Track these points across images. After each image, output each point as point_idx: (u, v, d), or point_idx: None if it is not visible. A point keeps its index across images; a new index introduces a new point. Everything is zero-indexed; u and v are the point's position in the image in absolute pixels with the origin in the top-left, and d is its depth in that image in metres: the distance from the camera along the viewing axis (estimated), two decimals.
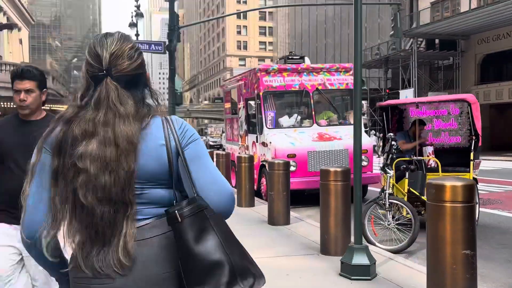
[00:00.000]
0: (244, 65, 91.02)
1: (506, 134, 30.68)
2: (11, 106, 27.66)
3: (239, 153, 11.63)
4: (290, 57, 10.86)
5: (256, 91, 10.05)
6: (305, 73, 10.22)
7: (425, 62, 36.17)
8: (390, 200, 6.06)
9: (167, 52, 14.77)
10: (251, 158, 9.02)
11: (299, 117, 10.12)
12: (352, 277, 4.39)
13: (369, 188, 10.10)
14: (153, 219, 1.42)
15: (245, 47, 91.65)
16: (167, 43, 14.73)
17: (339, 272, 4.59)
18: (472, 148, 6.96)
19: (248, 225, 7.09)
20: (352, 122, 10.53)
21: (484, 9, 27.14)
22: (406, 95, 30.22)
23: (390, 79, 38.87)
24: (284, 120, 10.07)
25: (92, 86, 1.43)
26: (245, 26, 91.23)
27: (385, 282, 4.41)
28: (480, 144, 7.04)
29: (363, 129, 10.55)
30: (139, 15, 25.79)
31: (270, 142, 9.53)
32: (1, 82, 29.22)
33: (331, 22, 50.61)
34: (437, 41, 34.67)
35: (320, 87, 10.21)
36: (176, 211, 1.33)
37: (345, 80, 10.44)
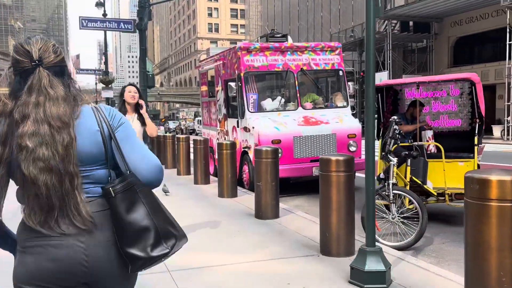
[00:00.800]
0: (205, 53, 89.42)
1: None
2: None
3: (217, 139, 10.86)
4: (272, 35, 10.06)
5: (236, 72, 9.25)
6: (289, 52, 9.46)
7: (399, 45, 35.97)
8: (394, 191, 5.44)
9: (137, 31, 13.71)
10: (233, 145, 8.26)
11: (283, 100, 9.39)
12: (366, 286, 3.75)
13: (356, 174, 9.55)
14: (99, 197, 1.66)
15: (217, 30, 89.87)
16: (137, 21, 13.68)
17: (348, 279, 3.92)
18: (477, 132, 6.38)
19: (234, 220, 6.38)
20: (338, 105, 9.98)
21: None
22: (381, 78, 29.86)
23: (364, 62, 38.43)
24: (267, 103, 9.31)
25: (22, 81, 1.59)
26: (216, 8, 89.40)
27: None
28: (484, 127, 6.49)
29: (350, 112, 9.98)
30: None
31: (253, 127, 8.78)
32: None
33: (304, 4, 49.73)
34: (411, 23, 34.48)
35: (305, 68, 9.48)
36: (110, 188, 1.60)
37: (331, 60, 9.75)
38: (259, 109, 9.16)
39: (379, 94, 7.13)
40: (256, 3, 68.68)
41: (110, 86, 26.96)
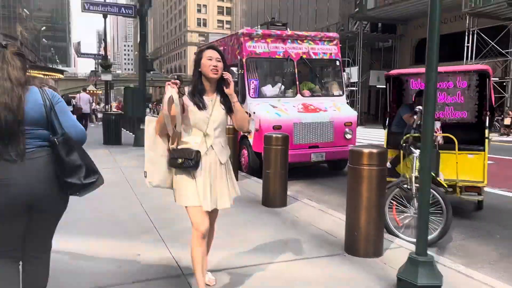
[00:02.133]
0: (204, 40, 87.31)
1: None
2: None
3: None
4: (272, 23, 8.92)
5: (238, 57, 8.10)
6: (289, 41, 8.34)
7: (368, 43, 35.02)
8: (417, 185, 4.48)
9: (137, 16, 12.30)
10: (234, 129, 7.15)
11: (282, 87, 8.30)
12: None
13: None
14: (38, 148, 2.05)
15: (205, 24, 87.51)
16: (138, 7, 12.26)
17: None
18: (488, 125, 5.46)
19: (242, 207, 5.30)
20: (334, 94, 8.95)
21: None
22: (352, 72, 29.07)
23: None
24: (267, 89, 8.21)
25: None
26: (205, 5, 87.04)
27: None
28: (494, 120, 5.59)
29: (345, 100, 8.96)
30: None
31: (254, 112, 7.68)
32: None
33: (284, 4, 48.23)
34: (379, 25, 33.61)
35: (304, 56, 8.39)
36: (55, 139, 2.04)
37: (329, 50, 8.68)
38: (260, 95, 8.05)
39: (388, 84, 6.12)
40: (240, 2, 66.67)
41: (108, 70, 25.39)
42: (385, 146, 6.01)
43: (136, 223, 4.58)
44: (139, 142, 12.38)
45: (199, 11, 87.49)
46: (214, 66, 2.45)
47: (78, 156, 2.10)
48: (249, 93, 7.90)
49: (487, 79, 5.37)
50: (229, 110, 2.61)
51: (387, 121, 6.14)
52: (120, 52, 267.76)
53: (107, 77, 25.06)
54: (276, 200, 5.37)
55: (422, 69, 6.05)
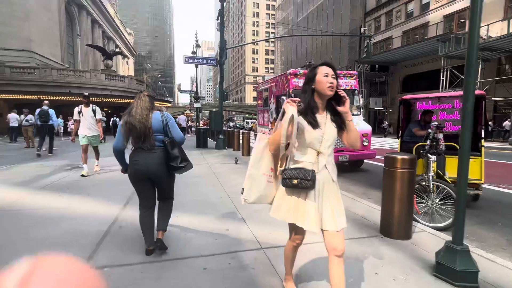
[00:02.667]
0: (256, 80, 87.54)
1: None
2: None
3: (268, 134, 9.27)
4: (309, 65, 8.36)
5: (287, 89, 7.64)
6: None
7: (368, 79, 33.12)
8: (433, 182, 3.78)
9: (217, 65, 12.17)
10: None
11: None
12: (457, 284, 2.16)
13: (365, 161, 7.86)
14: (158, 144, 2.41)
15: (257, 70, 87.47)
16: (218, 59, 12.13)
17: (433, 273, 2.33)
18: (483, 135, 4.60)
19: None
20: (354, 113, 8.22)
21: (406, 47, 24.31)
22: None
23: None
24: None
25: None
26: (257, 58, 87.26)
27: None
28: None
29: (362, 118, 8.20)
30: (197, 46, 23.14)
31: None
32: (117, 87, 26.87)
33: (310, 55, 47.03)
34: (376, 66, 31.64)
35: None
36: (165, 140, 2.41)
37: (350, 83, 7.98)
38: None
39: (400, 105, 5.39)
40: (280, 54, 66.08)
41: (198, 100, 25.81)
42: (399, 152, 5.29)
43: (223, 205, 4.24)
44: (219, 146, 12.24)
45: (253, 61, 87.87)
46: (330, 83, 1.64)
47: (178, 151, 2.44)
48: None
49: (483, 101, 4.51)
50: (340, 128, 1.72)
51: (399, 133, 5.39)
52: (204, 89, 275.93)
53: (197, 104, 25.46)
54: None
55: (426, 94, 5.31)
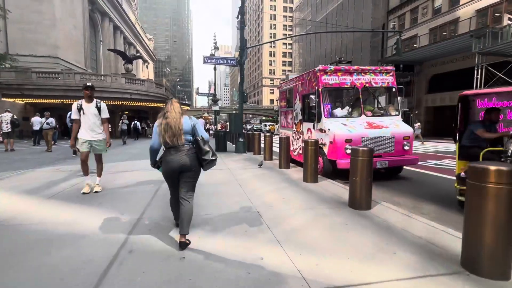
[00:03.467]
0: (273, 83, 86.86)
1: (444, 125, 26.43)
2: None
3: (293, 137, 8.58)
4: (339, 61, 7.57)
5: (315, 88, 6.90)
6: (355, 73, 6.97)
7: None
8: None
9: (238, 65, 11.61)
10: (316, 142, 5.92)
11: (350, 109, 6.93)
12: None
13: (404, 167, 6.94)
14: (188, 143, 2.81)
15: (274, 73, 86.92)
16: (238, 59, 11.58)
17: None
18: None
19: (332, 209, 4.08)
20: (392, 114, 7.36)
21: (435, 44, 22.82)
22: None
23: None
24: (338, 111, 6.88)
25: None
26: (274, 61, 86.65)
27: None
28: None
29: (401, 119, 7.32)
30: (216, 48, 22.82)
31: (329, 129, 6.41)
32: (137, 90, 27.10)
33: (328, 56, 45.85)
34: (401, 66, 30.15)
35: (367, 85, 6.95)
36: (198, 138, 2.78)
37: (386, 80, 7.14)
38: (332, 115, 6.77)
39: (459, 104, 4.54)
40: (298, 57, 65.13)
41: (216, 103, 25.47)
42: (457, 158, 4.43)
43: (251, 221, 3.56)
44: (239, 149, 11.64)
45: (270, 64, 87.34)
46: None
47: (208, 146, 2.78)
48: (324, 114, 6.66)
49: None
50: None
51: (457, 136, 4.53)
52: (221, 92, 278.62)
53: (216, 107, 25.12)
54: (362, 203, 4.07)
55: (495, 89, 4.43)
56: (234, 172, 7.01)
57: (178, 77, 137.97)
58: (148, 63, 69.30)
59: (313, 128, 7.09)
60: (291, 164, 7.84)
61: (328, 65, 7.35)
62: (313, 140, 5.91)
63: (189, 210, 2.75)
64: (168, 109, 2.78)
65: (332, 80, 6.83)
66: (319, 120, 6.78)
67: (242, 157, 10.37)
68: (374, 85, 7.01)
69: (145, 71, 63.10)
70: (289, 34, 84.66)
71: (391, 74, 7.18)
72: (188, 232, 2.74)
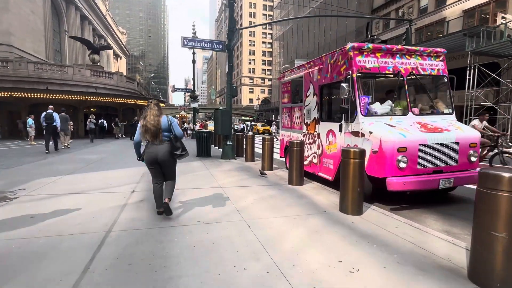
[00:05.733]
0: (252, 82, 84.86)
1: None
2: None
3: (291, 140, 6.51)
4: (372, 40, 5.59)
5: (346, 73, 4.85)
6: (398, 55, 5.01)
7: None
8: None
9: (226, 50, 9.34)
10: (362, 154, 3.84)
11: (392, 104, 4.96)
12: None
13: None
14: (165, 139, 3.41)
15: (253, 72, 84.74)
16: (226, 42, 9.31)
17: None
18: None
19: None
20: (444, 112, 5.38)
21: (423, 44, 21.63)
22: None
23: None
24: (377, 106, 4.89)
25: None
26: (253, 59, 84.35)
27: None
28: None
29: (455, 118, 5.41)
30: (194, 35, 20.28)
31: (370, 132, 4.39)
32: (104, 84, 23.78)
33: (316, 55, 44.56)
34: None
35: (413, 72, 5.02)
36: (171, 136, 3.41)
37: (436, 66, 5.24)
38: (368, 112, 4.77)
39: None
40: (278, 56, 63.60)
41: (195, 100, 22.92)
42: None
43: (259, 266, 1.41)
44: (226, 155, 9.40)
45: (249, 63, 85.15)
46: None
47: (179, 144, 3.47)
48: (360, 111, 4.64)
49: None
50: None
51: None
52: (199, 91, 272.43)
53: (194, 104, 22.58)
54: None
55: None
56: (230, 193, 4.80)
57: (152, 74, 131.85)
58: (121, 57, 64.48)
59: (340, 130, 5.06)
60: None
61: (366, 42, 5.37)
62: (357, 150, 3.84)
63: (172, 184, 3.62)
64: (148, 113, 3.40)
65: (370, 63, 4.82)
66: (351, 119, 4.74)
67: (232, 165, 8.15)
68: (422, 72, 5.10)
69: (116, 66, 58.50)
70: (269, 34, 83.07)
71: (441, 58, 5.31)
72: (171, 197, 3.55)
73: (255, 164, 8.32)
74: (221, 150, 12.35)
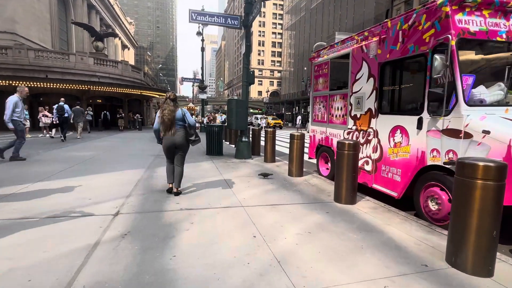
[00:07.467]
0: (261, 74, 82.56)
1: None
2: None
3: (340, 140, 4.86)
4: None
5: (438, 40, 3.15)
6: None
7: None
8: None
9: (242, 27, 7.65)
10: (503, 169, 2.21)
11: (505, 89, 3.26)
12: None
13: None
14: (180, 128, 3.96)
15: (262, 63, 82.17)
16: (243, 18, 7.61)
17: None
18: None
19: None
20: None
21: None
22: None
23: None
24: (483, 91, 3.20)
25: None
26: (263, 50, 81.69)
27: None
28: None
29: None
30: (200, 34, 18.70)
31: (487, 132, 2.72)
32: (108, 73, 22.39)
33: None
34: None
35: None
36: (186, 125, 3.99)
37: None
38: (471, 100, 3.09)
39: None
40: (288, 47, 61.17)
41: (204, 90, 21.34)
42: None
43: None
44: (241, 153, 7.82)
45: (258, 54, 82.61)
46: None
47: (193, 131, 4.04)
48: (464, 98, 2.97)
49: None
50: None
51: None
52: (206, 83, 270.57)
53: (203, 96, 21.02)
54: None
55: None
56: (257, 220, 3.21)
57: (161, 66, 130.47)
58: (129, 48, 63.13)
59: (418, 126, 3.40)
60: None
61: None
62: (493, 165, 2.17)
63: (181, 171, 4.10)
64: (165, 107, 3.94)
65: (475, 24, 3.11)
66: (451, 108, 3.07)
67: (249, 167, 6.56)
68: None
69: (124, 57, 57.28)
70: (279, 24, 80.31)
71: None
72: (180, 186, 4.15)
73: (277, 166, 6.72)
74: (233, 146, 10.79)
